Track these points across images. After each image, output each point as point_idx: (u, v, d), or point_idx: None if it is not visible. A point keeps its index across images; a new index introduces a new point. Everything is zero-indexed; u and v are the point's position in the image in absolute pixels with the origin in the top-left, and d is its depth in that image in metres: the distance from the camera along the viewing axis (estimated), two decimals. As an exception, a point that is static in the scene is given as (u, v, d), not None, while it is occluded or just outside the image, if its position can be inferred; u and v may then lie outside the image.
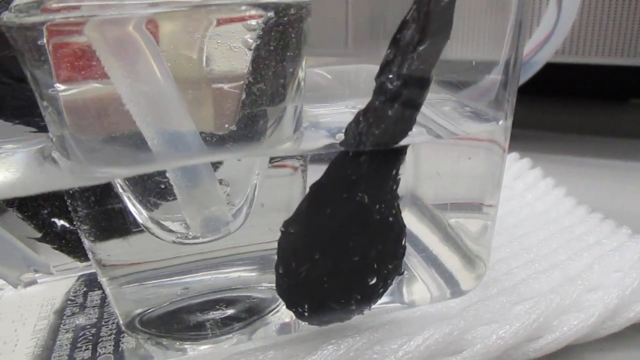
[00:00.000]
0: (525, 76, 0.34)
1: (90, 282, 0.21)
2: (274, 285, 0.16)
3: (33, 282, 0.15)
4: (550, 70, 0.33)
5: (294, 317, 0.18)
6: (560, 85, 0.48)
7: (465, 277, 0.19)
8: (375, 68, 0.15)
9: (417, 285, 0.19)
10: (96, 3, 0.12)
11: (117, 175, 0.14)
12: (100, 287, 0.20)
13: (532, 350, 0.18)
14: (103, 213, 0.16)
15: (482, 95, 0.18)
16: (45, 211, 0.18)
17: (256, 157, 0.16)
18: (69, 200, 0.16)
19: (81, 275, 0.21)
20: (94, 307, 0.19)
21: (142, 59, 0.13)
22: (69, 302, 0.19)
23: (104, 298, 0.19)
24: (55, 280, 0.21)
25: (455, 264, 0.19)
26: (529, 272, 0.20)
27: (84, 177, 0.14)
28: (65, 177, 0.14)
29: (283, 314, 0.18)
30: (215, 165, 0.16)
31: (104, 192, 0.16)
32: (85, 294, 0.20)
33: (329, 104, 0.19)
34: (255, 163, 0.16)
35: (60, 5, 0.12)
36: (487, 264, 0.19)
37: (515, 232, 0.24)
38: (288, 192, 0.17)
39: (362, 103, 0.15)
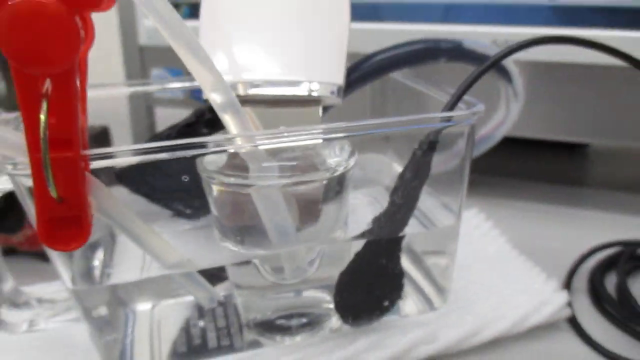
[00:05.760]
0: (480, 149, 0.44)
1: (201, 310, 0.34)
2: (332, 305, 0.29)
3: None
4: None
5: (341, 323, 0.32)
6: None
7: (436, 299, 0.32)
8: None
9: (410, 303, 0.33)
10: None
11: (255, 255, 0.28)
12: (209, 313, 0.33)
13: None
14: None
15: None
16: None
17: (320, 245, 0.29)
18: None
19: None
20: (216, 318, 0.32)
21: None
22: (198, 314, 0.32)
23: (226, 313, 0.32)
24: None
25: (430, 291, 0.33)
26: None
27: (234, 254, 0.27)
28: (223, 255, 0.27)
29: (333, 322, 0.31)
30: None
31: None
32: (205, 312, 0.33)
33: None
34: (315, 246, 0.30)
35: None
36: (449, 294, 0.32)
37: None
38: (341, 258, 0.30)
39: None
